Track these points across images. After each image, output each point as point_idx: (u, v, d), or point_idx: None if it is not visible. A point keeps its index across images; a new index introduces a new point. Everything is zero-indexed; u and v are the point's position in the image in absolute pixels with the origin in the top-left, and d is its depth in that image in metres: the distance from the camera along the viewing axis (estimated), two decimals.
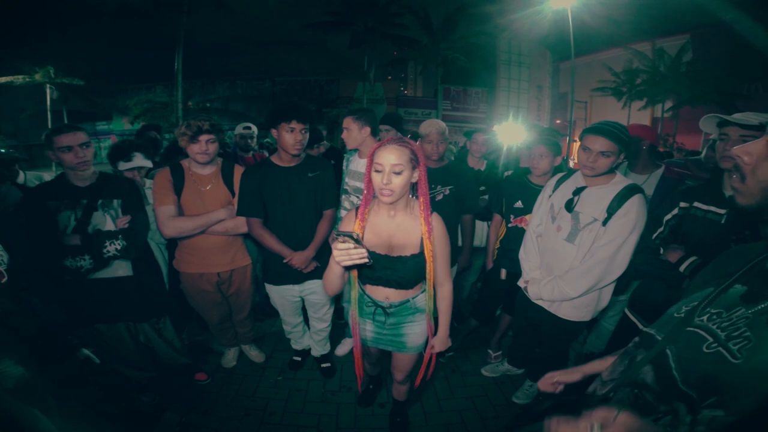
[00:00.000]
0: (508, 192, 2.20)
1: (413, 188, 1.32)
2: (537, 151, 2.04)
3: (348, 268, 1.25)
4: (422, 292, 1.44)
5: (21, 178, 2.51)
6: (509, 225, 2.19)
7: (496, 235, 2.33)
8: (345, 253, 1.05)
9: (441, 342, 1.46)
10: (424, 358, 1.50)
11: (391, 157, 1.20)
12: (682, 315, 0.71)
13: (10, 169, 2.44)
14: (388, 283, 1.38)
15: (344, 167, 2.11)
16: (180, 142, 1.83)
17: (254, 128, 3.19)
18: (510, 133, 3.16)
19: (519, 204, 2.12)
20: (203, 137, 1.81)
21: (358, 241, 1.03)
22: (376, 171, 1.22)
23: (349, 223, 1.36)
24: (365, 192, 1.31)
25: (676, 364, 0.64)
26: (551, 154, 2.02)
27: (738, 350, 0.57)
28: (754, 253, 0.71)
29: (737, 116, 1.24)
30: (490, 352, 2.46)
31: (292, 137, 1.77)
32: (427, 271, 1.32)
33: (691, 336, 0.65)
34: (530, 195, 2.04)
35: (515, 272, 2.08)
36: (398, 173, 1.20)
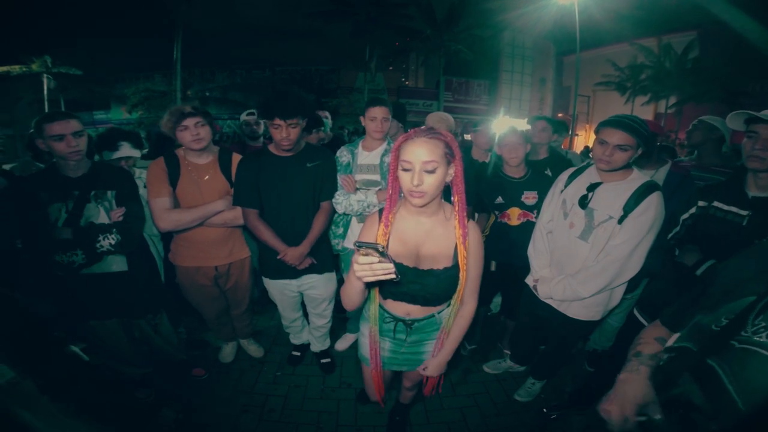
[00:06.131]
0: (485, 189, 2.16)
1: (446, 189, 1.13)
2: (514, 141, 2.01)
3: (370, 285, 1.10)
4: (448, 306, 1.28)
5: None
6: (496, 221, 2.17)
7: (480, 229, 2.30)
8: (368, 268, 0.90)
9: (437, 367, 1.29)
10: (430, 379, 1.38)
11: (422, 152, 1.01)
12: (722, 328, 0.65)
13: None
14: (413, 300, 1.21)
15: (348, 162, 2.02)
16: (170, 134, 1.74)
17: None
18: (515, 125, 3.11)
19: (499, 200, 2.09)
20: (189, 121, 1.71)
21: (383, 254, 0.89)
22: (404, 170, 1.03)
23: (372, 229, 1.18)
24: (390, 193, 1.13)
25: (734, 385, 0.58)
26: (524, 144, 2.01)
27: None
28: None
29: None
30: (506, 352, 2.39)
31: (277, 134, 1.69)
32: (459, 284, 1.16)
33: (748, 355, 0.59)
34: (509, 188, 2.07)
35: (505, 262, 2.14)
36: (431, 171, 1.01)
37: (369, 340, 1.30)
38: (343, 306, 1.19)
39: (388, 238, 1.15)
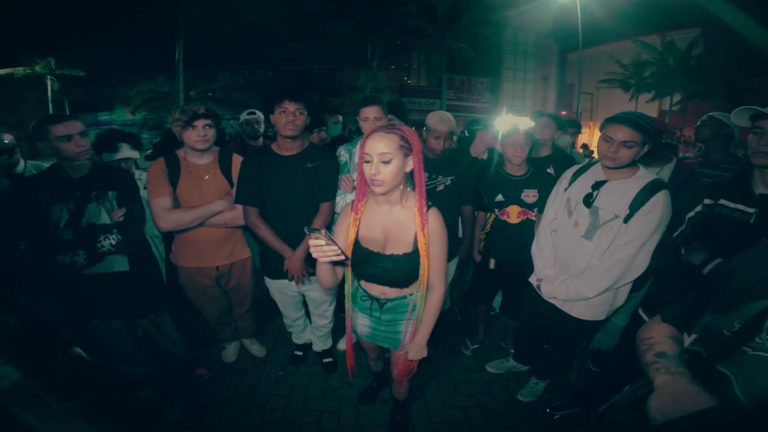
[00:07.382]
0: (485, 187, 2.14)
1: (410, 179, 1.24)
2: (519, 140, 1.99)
3: (334, 264, 1.24)
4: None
5: (21, 166, 2.41)
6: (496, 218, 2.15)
7: (480, 226, 2.26)
8: (318, 250, 1.04)
9: (417, 350, 1.34)
10: (401, 361, 1.44)
11: (379, 145, 1.15)
12: (734, 333, 0.62)
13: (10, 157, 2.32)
14: (380, 281, 1.33)
15: (346, 161, 2.01)
16: (174, 130, 1.75)
17: (259, 113, 3.01)
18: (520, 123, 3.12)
19: (500, 197, 2.07)
20: (200, 122, 1.73)
21: (329, 238, 1.02)
22: (366, 161, 1.18)
23: (346, 217, 1.31)
24: (358, 184, 1.26)
25: (744, 393, 0.56)
26: (528, 143, 2.00)
27: None
28: None
29: None
30: (510, 351, 2.38)
31: (283, 117, 1.70)
32: (421, 269, 1.25)
33: (762, 362, 0.57)
34: (509, 186, 2.06)
35: (504, 260, 2.13)
36: (387, 162, 1.15)
37: (346, 313, 1.44)
38: (320, 285, 1.29)
39: (359, 225, 1.28)
